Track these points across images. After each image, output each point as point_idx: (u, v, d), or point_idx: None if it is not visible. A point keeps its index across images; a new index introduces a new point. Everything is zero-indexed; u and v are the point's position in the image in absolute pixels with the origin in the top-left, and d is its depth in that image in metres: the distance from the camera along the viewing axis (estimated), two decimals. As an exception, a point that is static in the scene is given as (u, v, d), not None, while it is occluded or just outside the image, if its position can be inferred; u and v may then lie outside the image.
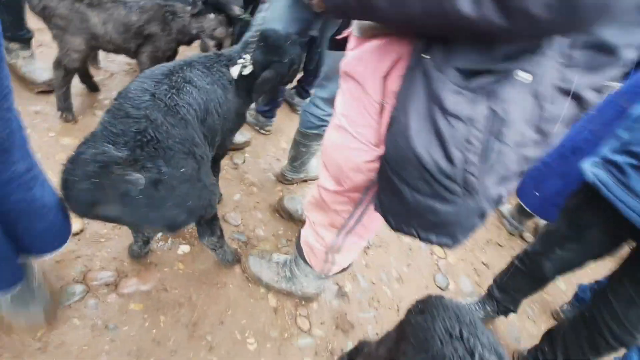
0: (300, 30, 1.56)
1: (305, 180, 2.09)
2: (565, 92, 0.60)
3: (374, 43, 0.78)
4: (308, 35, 1.69)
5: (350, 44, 0.90)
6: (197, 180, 1.00)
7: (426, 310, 0.71)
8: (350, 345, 1.43)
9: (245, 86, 1.28)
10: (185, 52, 2.03)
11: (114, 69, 2.28)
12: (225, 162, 1.98)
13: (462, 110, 0.60)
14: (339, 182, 0.99)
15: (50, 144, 1.68)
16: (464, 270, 1.99)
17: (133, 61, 1.93)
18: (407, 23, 0.63)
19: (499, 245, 2.26)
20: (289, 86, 2.44)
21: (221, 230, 1.34)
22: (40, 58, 1.96)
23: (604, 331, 1.18)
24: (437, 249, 2.03)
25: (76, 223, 1.36)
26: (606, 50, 0.57)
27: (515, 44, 0.57)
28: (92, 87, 2.02)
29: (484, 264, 2.08)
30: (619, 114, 1.61)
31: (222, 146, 1.42)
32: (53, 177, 0.99)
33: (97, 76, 2.13)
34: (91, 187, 0.81)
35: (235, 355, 1.26)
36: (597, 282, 1.87)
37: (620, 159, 1.07)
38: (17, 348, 1.08)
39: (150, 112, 0.91)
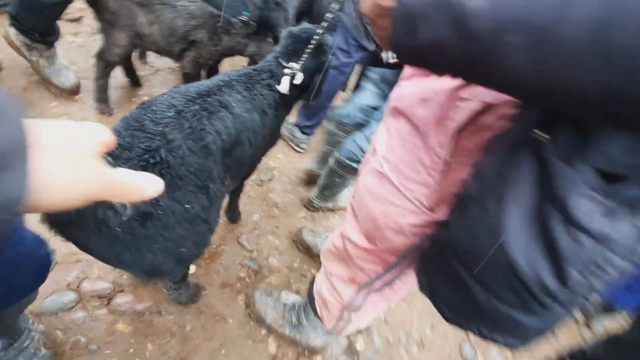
0: None
1: (332, 210, 1.93)
2: None
3: (446, 80, 0.60)
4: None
5: (408, 68, 0.74)
6: (203, 222, 0.84)
7: None
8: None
9: (290, 98, 1.15)
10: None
11: (160, 65, 2.27)
12: (250, 177, 1.86)
13: (595, 225, 0.41)
14: (372, 239, 0.81)
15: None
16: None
17: (178, 61, 1.89)
18: (550, 97, 0.36)
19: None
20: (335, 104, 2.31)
21: (185, 275, 1.18)
22: (71, 49, 1.97)
23: None
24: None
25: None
26: None
27: None
28: (135, 82, 1.99)
29: (521, 340, 1.79)
30: None
31: (249, 172, 1.30)
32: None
33: (142, 71, 2.12)
34: None
35: (219, 406, 1.11)
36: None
37: None
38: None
39: (170, 130, 0.78)
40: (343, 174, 1.63)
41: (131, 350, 1.13)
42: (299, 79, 1.10)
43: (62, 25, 1.74)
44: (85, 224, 0.67)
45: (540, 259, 0.45)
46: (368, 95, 1.62)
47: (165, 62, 2.32)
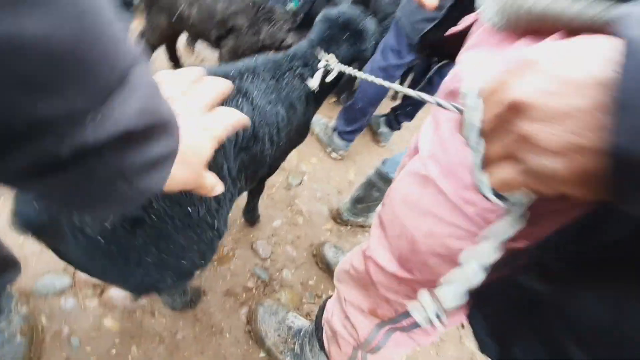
0: None
1: (362, 226, 1.73)
2: None
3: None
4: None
5: (474, 39, 0.54)
6: (209, 228, 0.69)
7: None
8: None
9: (320, 93, 0.99)
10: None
11: (206, 55, 2.24)
12: (278, 179, 1.73)
13: None
14: (407, 265, 0.61)
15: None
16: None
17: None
18: None
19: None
20: (379, 112, 2.10)
21: None
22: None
23: None
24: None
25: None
26: None
27: None
28: (177, 68, 1.97)
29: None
30: None
31: (270, 173, 1.15)
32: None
33: (188, 59, 2.10)
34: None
35: None
36: None
37: None
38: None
39: None
40: (383, 187, 1.43)
41: (113, 351, 1.02)
42: (331, 76, 0.94)
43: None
44: (60, 231, 0.54)
45: None
46: None
47: (213, 53, 2.29)
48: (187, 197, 0.63)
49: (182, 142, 0.31)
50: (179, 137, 0.30)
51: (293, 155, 1.94)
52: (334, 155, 2.04)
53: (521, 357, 0.41)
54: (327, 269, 1.44)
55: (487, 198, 0.33)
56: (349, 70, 0.89)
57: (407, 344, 0.76)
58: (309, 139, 1.95)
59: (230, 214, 1.48)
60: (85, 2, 0.19)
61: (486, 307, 0.50)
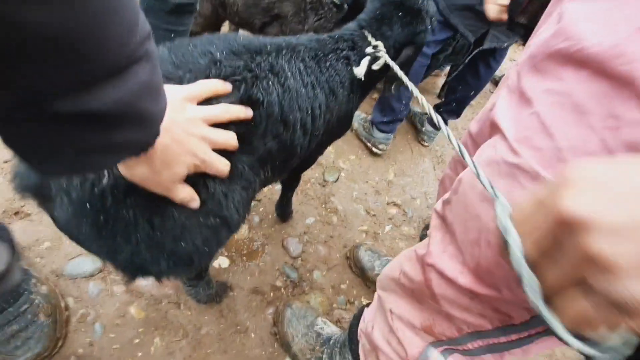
0: None
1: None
2: None
3: None
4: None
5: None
6: (213, 215, 0.60)
7: None
8: None
9: (366, 82, 0.89)
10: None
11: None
12: (314, 174, 1.65)
13: None
14: (488, 281, 0.49)
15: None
16: None
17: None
18: None
19: None
20: (422, 109, 1.95)
21: (205, 270, 0.96)
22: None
23: None
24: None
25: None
26: None
27: None
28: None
29: None
30: None
31: (304, 166, 1.07)
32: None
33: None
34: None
35: None
36: None
37: None
38: None
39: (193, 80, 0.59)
40: None
41: (136, 340, 0.98)
42: (379, 64, 0.83)
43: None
44: (50, 194, 0.50)
45: None
46: None
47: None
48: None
49: (157, 151, 0.38)
50: (154, 140, 0.35)
51: (330, 151, 1.85)
52: (374, 150, 1.92)
53: None
54: (362, 273, 1.33)
55: (566, 344, 0.26)
56: (392, 64, 0.79)
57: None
58: (348, 135, 1.85)
59: (262, 209, 1.43)
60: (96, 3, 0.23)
61: None
